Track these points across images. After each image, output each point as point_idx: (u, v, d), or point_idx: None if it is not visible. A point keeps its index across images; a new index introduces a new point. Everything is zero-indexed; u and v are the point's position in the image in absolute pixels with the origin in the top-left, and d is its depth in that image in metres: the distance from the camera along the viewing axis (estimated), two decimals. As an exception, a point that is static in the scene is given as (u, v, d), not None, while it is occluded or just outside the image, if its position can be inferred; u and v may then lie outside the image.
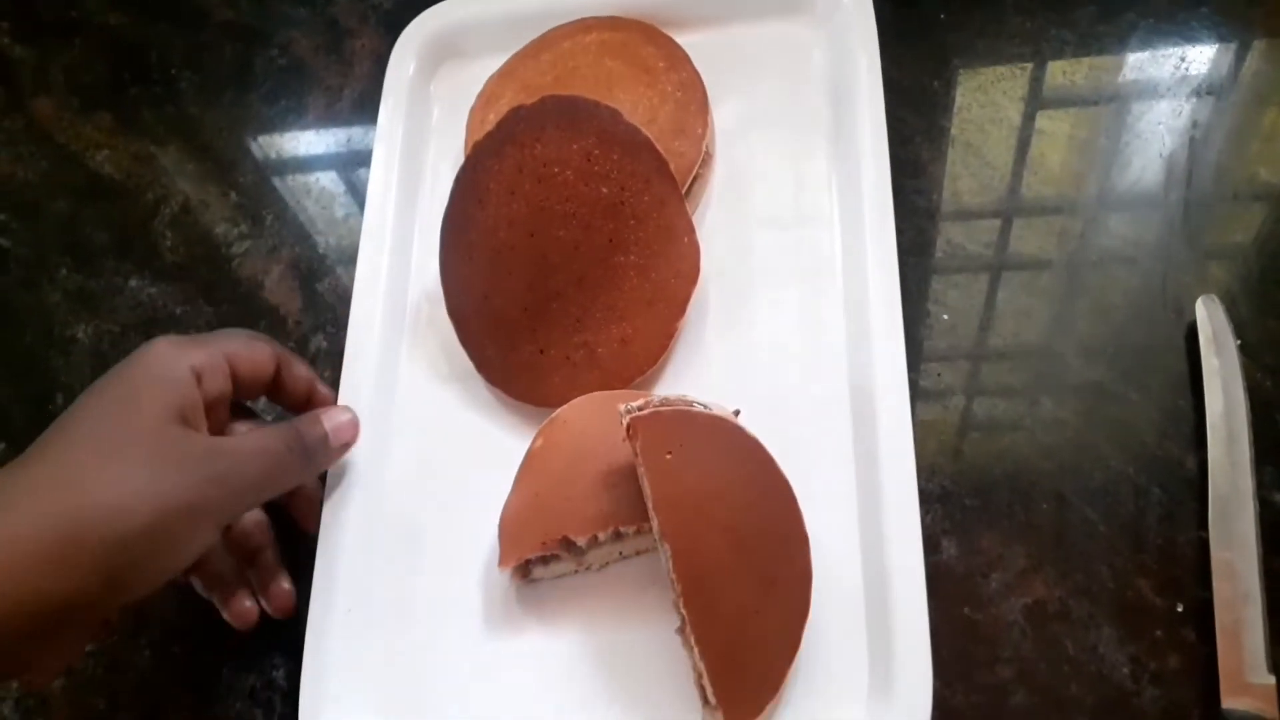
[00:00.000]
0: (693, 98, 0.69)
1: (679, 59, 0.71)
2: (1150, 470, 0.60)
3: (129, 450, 0.51)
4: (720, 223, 0.69)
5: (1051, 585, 0.58)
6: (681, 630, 0.54)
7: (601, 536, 0.57)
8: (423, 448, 0.66)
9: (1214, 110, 0.70)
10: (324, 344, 0.72)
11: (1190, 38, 0.72)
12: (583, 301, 0.64)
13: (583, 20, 0.74)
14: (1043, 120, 0.71)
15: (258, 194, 0.79)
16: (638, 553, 0.60)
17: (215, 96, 0.84)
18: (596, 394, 0.62)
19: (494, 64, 0.75)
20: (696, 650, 0.52)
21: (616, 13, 0.73)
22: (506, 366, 0.65)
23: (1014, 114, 0.71)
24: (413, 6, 0.84)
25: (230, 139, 0.82)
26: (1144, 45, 0.72)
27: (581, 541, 0.57)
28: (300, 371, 0.63)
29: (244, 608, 0.61)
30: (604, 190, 0.63)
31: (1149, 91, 0.71)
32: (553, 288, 0.64)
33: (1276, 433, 0.60)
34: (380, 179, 0.72)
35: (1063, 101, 0.72)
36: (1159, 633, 0.57)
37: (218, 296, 0.76)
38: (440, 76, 0.78)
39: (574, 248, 0.63)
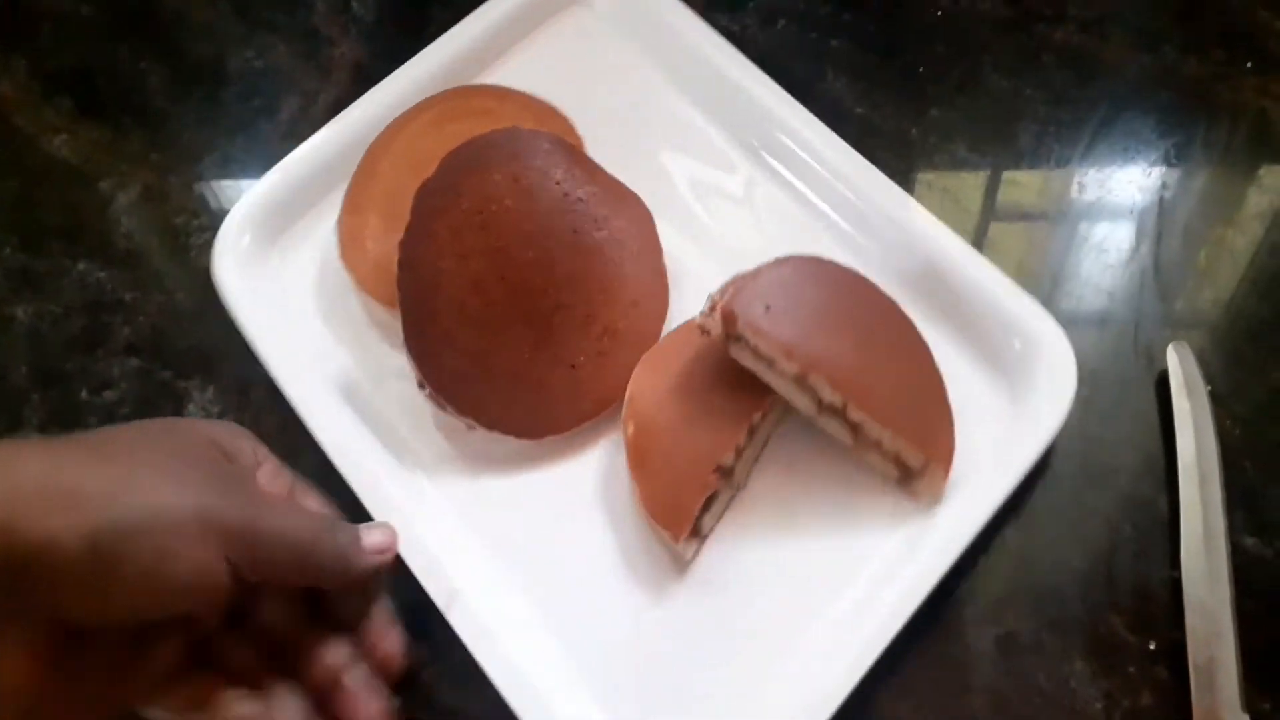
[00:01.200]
0: (541, 107, 0.70)
1: (503, 90, 0.72)
2: (1123, 509, 0.60)
3: (162, 440, 0.49)
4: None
5: (1025, 617, 0.57)
6: (856, 435, 0.57)
7: (741, 441, 0.57)
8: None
9: (1184, 172, 0.71)
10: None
11: (1161, 108, 0.74)
12: (574, 310, 0.63)
13: (396, 122, 0.71)
14: (1014, 173, 0.73)
15: (222, 186, 0.77)
16: (767, 442, 0.62)
17: (185, 92, 0.82)
18: (647, 357, 0.62)
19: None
20: (884, 434, 0.56)
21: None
22: (516, 409, 0.62)
23: (987, 168, 0.72)
24: (395, 19, 0.84)
25: (198, 133, 0.80)
26: (1116, 111, 0.74)
27: (730, 459, 0.57)
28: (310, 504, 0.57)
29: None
30: (544, 196, 0.63)
31: (1121, 153, 0.72)
32: (544, 313, 0.62)
33: (1246, 479, 0.60)
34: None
35: (1034, 158, 0.73)
36: (1132, 669, 0.56)
37: (171, 285, 0.73)
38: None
39: (548, 265, 0.62)
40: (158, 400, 0.68)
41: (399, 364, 0.61)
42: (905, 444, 0.56)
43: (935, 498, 0.58)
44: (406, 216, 0.60)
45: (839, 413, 0.56)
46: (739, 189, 0.71)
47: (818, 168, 0.69)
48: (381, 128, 0.70)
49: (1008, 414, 0.60)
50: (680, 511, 0.56)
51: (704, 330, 0.57)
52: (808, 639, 0.56)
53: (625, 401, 0.60)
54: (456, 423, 0.60)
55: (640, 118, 0.74)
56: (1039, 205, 0.72)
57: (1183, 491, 0.59)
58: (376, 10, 0.86)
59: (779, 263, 0.59)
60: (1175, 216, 0.70)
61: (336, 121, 0.72)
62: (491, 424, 0.60)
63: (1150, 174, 0.72)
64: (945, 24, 0.79)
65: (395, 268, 0.59)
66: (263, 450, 0.55)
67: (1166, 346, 0.63)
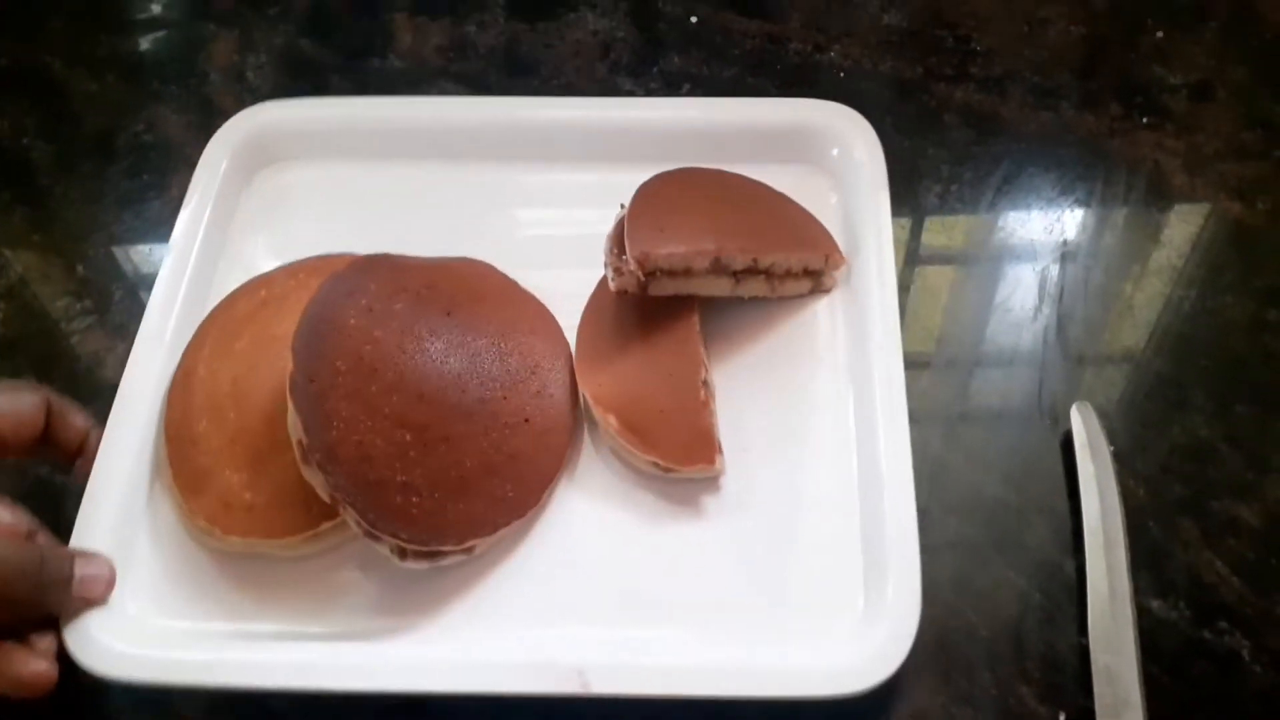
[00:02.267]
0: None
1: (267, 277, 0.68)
2: (1031, 574, 0.59)
3: None
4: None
5: (934, 692, 0.56)
6: (770, 278, 0.65)
7: (702, 351, 0.62)
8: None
9: (1083, 229, 0.71)
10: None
11: (1061, 163, 0.74)
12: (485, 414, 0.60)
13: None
14: (925, 223, 0.72)
15: (107, 269, 0.75)
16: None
17: (70, 167, 0.80)
18: (578, 363, 0.63)
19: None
20: (791, 259, 0.65)
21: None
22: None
23: (899, 229, 0.71)
24: (291, 91, 0.82)
25: (83, 211, 0.77)
26: (1017, 168, 0.74)
27: (704, 371, 0.61)
28: (76, 422, 0.58)
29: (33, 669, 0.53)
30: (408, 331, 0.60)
31: (1024, 210, 0.72)
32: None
33: (1150, 539, 0.59)
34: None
35: (939, 216, 0.73)
36: (1043, 742, 0.54)
37: (49, 374, 0.69)
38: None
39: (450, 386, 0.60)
40: (35, 498, 0.64)
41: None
42: (807, 255, 0.65)
43: (839, 278, 0.67)
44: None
45: (751, 270, 0.63)
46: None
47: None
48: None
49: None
50: (703, 439, 0.59)
51: (624, 290, 0.61)
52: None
53: (587, 407, 0.61)
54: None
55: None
56: (945, 259, 0.71)
57: (1088, 555, 0.58)
58: (273, 80, 0.84)
59: (637, 199, 0.62)
60: (1077, 273, 0.70)
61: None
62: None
63: (1051, 230, 0.72)
64: (847, 85, 0.79)
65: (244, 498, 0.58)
66: None
67: (1070, 406, 0.62)
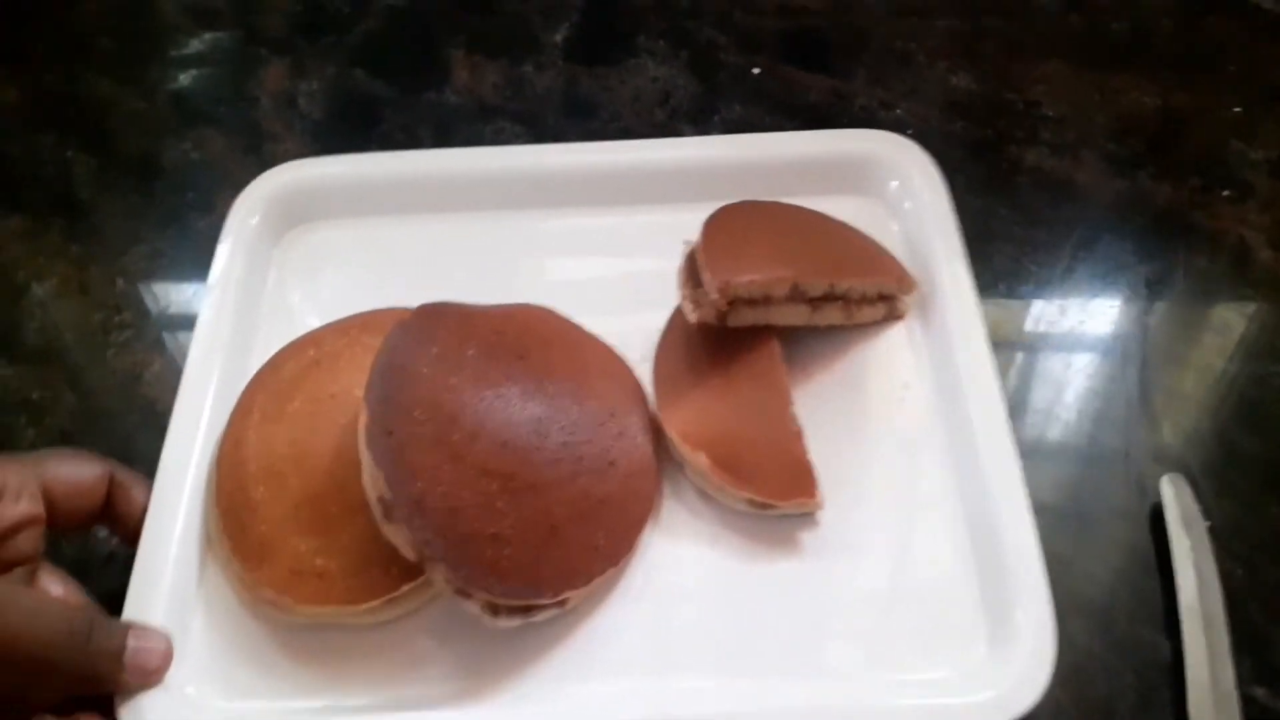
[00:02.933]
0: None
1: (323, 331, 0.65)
2: (1121, 652, 0.55)
3: None
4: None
5: (1021, 776, 0.52)
6: (846, 305, 0.63)
7: (786, 382, 0.60)
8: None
9: (1166, 298, 0.69)
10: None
11: (1140, 231, 0.72)
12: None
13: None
14: (995, 299, 0.69)
15: (148, 284, 0.72)
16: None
17: (113, 181, 0.77)
18: (661, 405, 0.61)
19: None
20: (867, 285, 0.63)
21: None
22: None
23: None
24: (343, 118, 0.80)
25: (124, 226, 0.75)
26: (1093, 235, 0.72)
27: (791, 404, 0.59)
28: (138, 497, 0.55)
29: None
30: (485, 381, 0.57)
31: (1101, 277, 0.70)
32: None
33: (1252, 623, 0.56)
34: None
35: (1013, 280, 0.70)
36: (1140, 836, 0.50)
37: (85, 386, 0.66)
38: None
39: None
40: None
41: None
42: (881, 280, 0.64)
43: (910, 304, 0.65)
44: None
45: (828, 296, 0.62)
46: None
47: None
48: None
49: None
50: (800, 472, 0.57)
51: (703, 321, 0.59)
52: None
53: (672, 447, 0.59)
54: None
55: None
56: (1020, 331, 0.69)
57: (1186, 637, 0.54)
58: (324, 107, 0.82)
59: (709, 230, 0.61)
60: (1160, 343, 0.67)
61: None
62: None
63: (1132, 299, 0.69)
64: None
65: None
66: (31, 486, 0.49)
67: (1159, 478, 0.59)
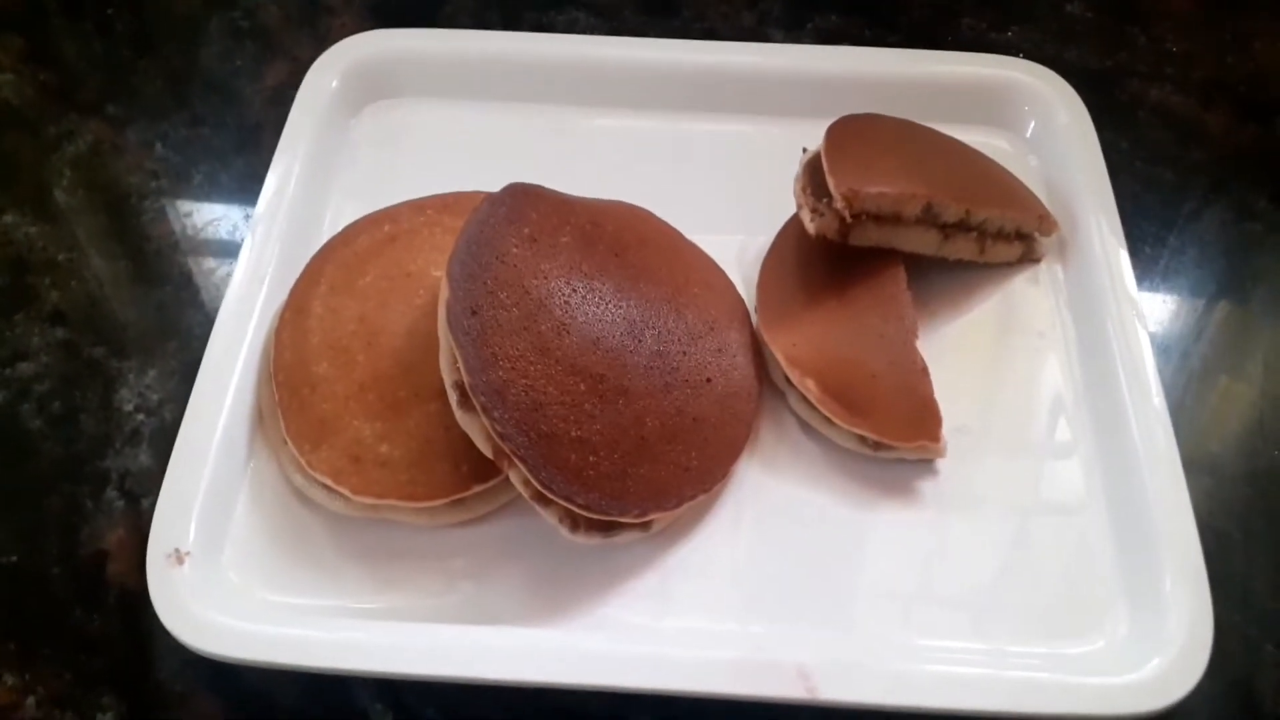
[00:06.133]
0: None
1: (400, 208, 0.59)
2: (1263, 625, 0.49)
3: None
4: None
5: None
6: (981, 239, 0.57)
7: (911, 309, 0.54)
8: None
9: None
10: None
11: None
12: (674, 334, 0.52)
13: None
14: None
15: (189, 149, 0.65)
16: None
17: (155, 44, 0.71)
18: (762, 322, 0.55)
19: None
20: (1005, 218, 0.57)
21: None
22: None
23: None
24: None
25: (165, 89, 0.68)
26: (1226, 177, 0.66)
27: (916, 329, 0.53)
28: None
29: None
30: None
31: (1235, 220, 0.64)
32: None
33: None
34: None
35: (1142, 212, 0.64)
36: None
37: (115, 250, 0.60)
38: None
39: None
40: (83, 379, 0.56)
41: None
42: (1021, 216, 0.57)
43: (1050, 243, 0.60)
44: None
45: (962, 225, 0.56)
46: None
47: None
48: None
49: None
50: (925, 412, 0.51)
51: (822, 233, 0.53)
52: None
53: (781, 369, 0.52)
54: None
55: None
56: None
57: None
58: (387, -19, 0.76)
59: (835, 135, 0.55)
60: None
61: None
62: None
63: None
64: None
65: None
66: None
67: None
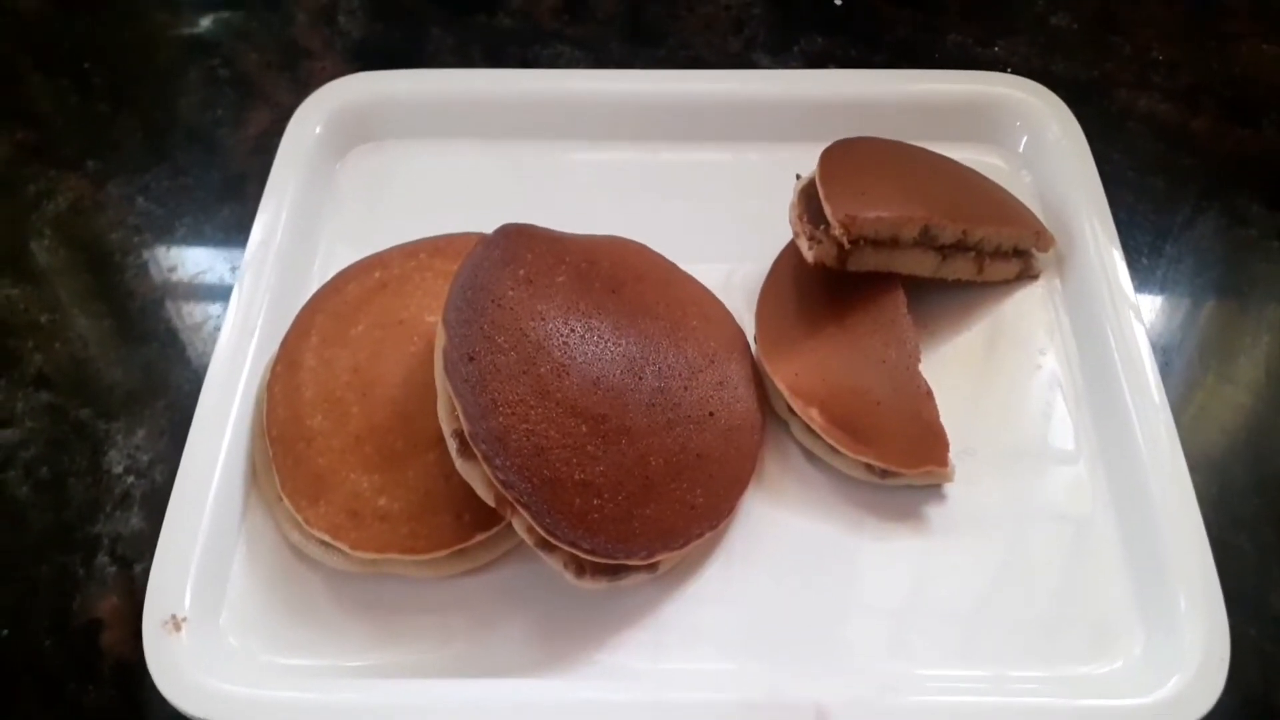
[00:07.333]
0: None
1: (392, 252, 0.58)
2: (1277, 638, 0.49)
3: None
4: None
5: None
6: (978, 257, 0.56)
7: (912, 331, 0.53)
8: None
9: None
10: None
11: (1270, 183, 0.66)
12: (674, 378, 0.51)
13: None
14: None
15: (172, 201, 0.65)
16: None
17: (133, 96, 0.70)
18: (762, 352, 0.54)
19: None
20: (1003, 235, 0.56)
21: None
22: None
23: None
24: (386, 38, 0.73)
25: (145, 141, 0.68)
26: (1216, 184, 0.65)
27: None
28: None
29: None
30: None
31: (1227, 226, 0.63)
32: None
33: None
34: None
35: (1137, 222, 0.64)
36: None
37: (99, 309, 0.59)
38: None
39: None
40: (70, 443, 0.55)
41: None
42: (1018, 233, 0.57)
43: (1047, 259, 0.59)
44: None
45: (960, 245, 0.55)
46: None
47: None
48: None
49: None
50: (931, 436, 0.50)
51: (821, 261, 0.53)
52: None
53: (784, 399, 0.52)
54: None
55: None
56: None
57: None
58: (365, 26, 0.75)
59: (830, 161, 0.54)
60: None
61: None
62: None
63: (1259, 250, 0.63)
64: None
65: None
66: None
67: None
